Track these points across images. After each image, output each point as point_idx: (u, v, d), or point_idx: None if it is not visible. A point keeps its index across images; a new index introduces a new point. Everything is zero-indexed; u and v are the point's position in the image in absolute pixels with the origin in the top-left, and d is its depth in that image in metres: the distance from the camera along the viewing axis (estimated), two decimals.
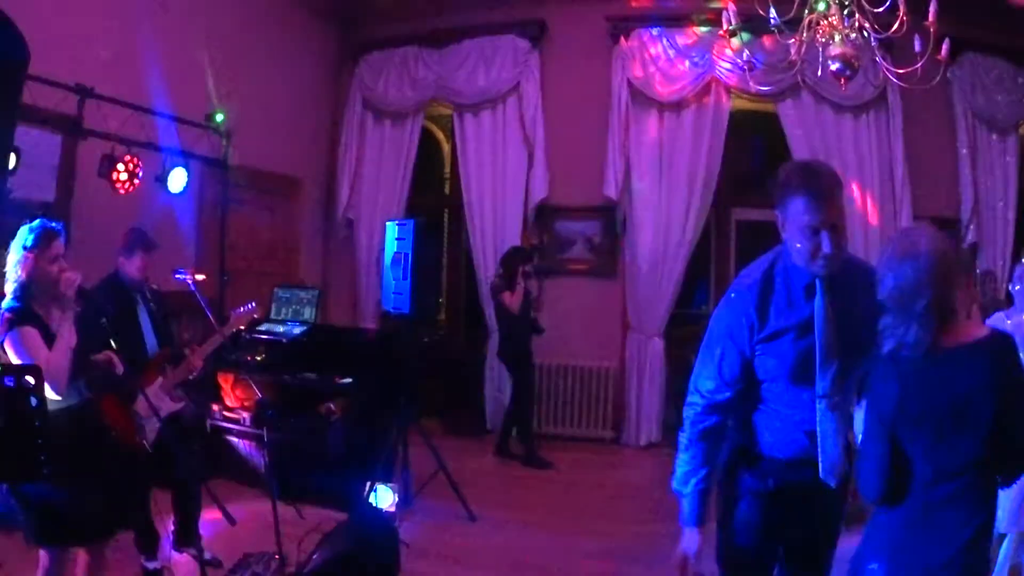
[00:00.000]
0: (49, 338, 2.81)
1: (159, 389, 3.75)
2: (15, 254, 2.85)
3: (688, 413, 2.28)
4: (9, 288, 2.89)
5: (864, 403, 2.06)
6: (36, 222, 2.91)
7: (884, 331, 1.93)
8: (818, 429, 2.14)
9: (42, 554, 2.91)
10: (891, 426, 1.94)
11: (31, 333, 2.76)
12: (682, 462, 2.26)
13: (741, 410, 2.28)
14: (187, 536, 3.84)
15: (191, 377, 3.93)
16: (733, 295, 2.25)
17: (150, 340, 3.87)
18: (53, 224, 2.92)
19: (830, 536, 2.33)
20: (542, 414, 6.93)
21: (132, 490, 3.80)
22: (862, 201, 6.52)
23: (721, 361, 2.22)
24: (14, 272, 2.86)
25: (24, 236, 2.86)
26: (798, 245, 2.08)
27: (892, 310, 1.93)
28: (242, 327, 4.17)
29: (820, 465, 2.15)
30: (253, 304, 4.21)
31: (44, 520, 2.79)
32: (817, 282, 2.12)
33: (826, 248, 2.04)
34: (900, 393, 1.91)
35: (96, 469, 2.93)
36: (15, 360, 2.74)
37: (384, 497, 4.65)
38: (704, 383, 2.26)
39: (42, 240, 2.85)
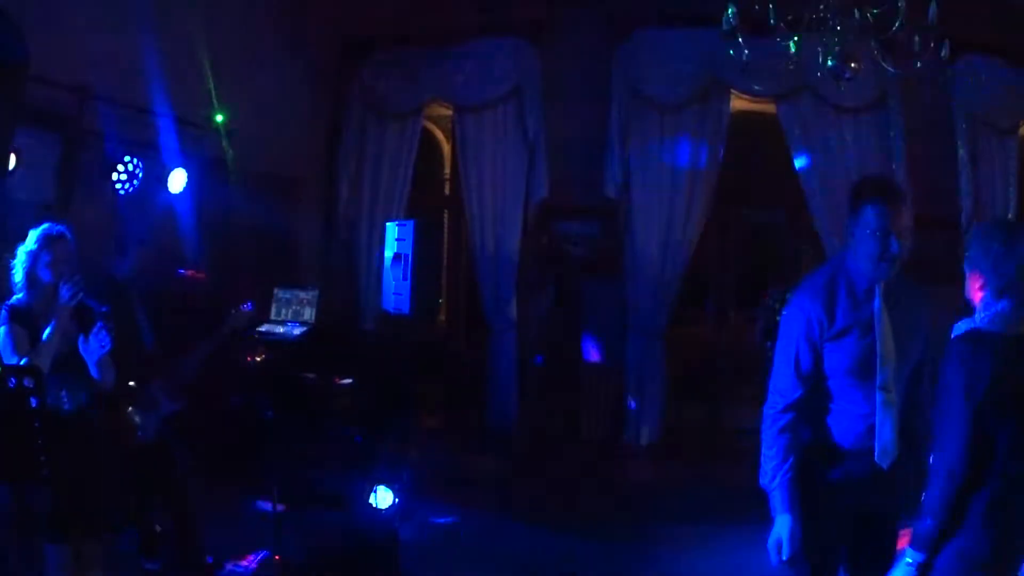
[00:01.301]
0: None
1: (157, 390, 3.75)
2: (19, 256, 2.92)
3: (768, 412, 2.50)
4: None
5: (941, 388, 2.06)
6: (45, 225, 2.96)
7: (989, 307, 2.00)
8: (876, 418, 2.39)
9: (48, 550, 2.93)
10: (980, 406, 1.90)
11: (15, 332, 2.80)
12: (767, 458, 2.46)
13: (810, 407, 2.48)
14: (186, 537, 3.84)
15: (188, 378, 3.92)
16: (802, 299, 2.50)
17: (147, 340, 3.87)
18: (58, 228, 2.97)
19: (892, 514, 2.53)
20: (541, 415, 6.92)
21: (129, 490, 3.81)
22: None
23: (797, 357, 2.45)
24: (16, 273, 2.92)
25: (28, 239, 2.93)
26: (868, 248, 2.35)
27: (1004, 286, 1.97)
28: (240, 327, 4.16)
29: (875, 450, 2.40)
30: (251, 304, 4.21)
31: (43, 517, 2.81)
32: (876, 287, 2.40)
33: (893, 248, 2.32)
34: (993, 372, 1.89)
35: (92, 469, 2.94)
36: None
37: (384, 497, 4.65)
38: (781, 382, 2.49)
39: (42, 244, 2.91)
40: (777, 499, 2.43)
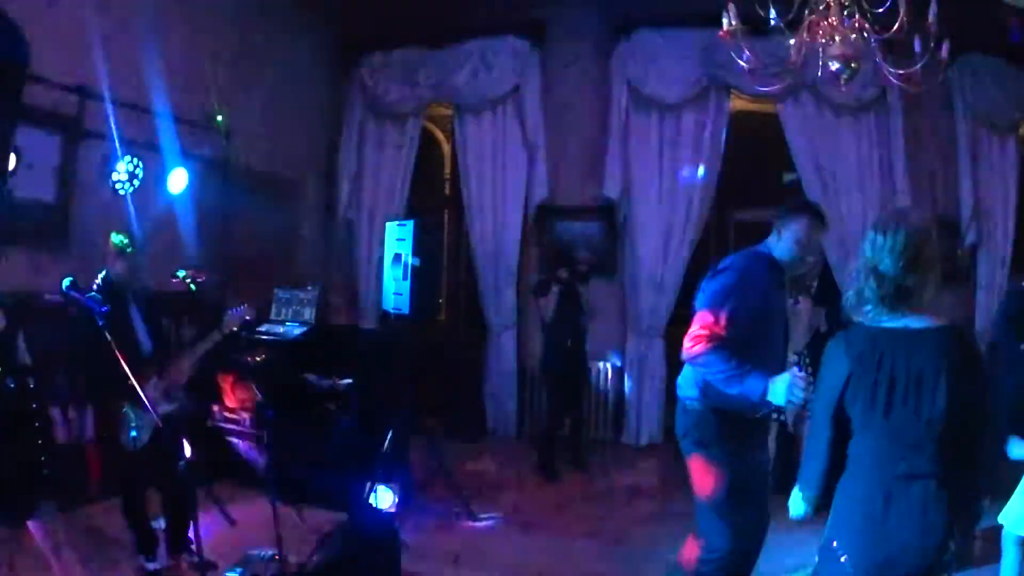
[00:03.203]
0: None
1: (154, 390, 3.74)
2: None
3: (721, 352, 2.81)
4: None
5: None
6: None
7: (852, 296, 2.12)
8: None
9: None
10: (838, 404, 2.03)
11: None
12: (720, 372, 2.78)
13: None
14: (183, 537, 3.83)
15: (184, 379, 3.91)
16: (740, 271, 2.95)
17: (143, 340, 3.85)
18: None
19: None
20: (541, 415, 6.91)
21: (128, 490, 3.81)
22: (862, 201, 6.52)
23: (733, 313, 2.84)
24: None
25: None
26: (795, 248, 2.93)
27: (860, 276, 2.09)
28: (235, 328, 4.14)
29: (786, 411, 3.16)
30: (245, 306, 4.20)
31: None
32: (784, 276, 3.00)
33: (810, 257, 2.99)
34: (851, 367, 2.02)
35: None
36: None
37: (384, 497, 4.65)
38: (720, 331, 2.84)
39: None
40: (753, 380, 2.70)
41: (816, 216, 2.96)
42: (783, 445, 5.45)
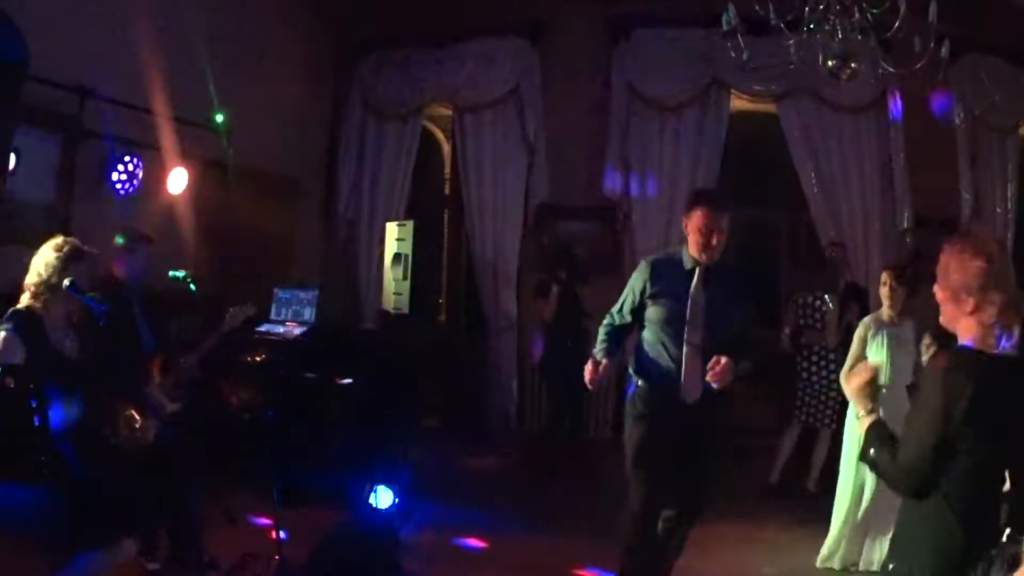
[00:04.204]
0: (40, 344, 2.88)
1: (157, 390, 3.74)
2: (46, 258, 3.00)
3: (605, 321, 3.53)
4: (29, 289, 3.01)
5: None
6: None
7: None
8: (682, 365, 3.26)
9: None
10: (955, 425, 1.92)
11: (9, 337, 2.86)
12: (600, 342, 3.45)
13: (640, 350, 3.44)
14: (185, 537, 3.83)
15: (187, 379, 3.92)
16: (642, 264, 3.46)
17: (146, 340, 3.85)
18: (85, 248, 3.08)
19: (705, 440, 3.39)
20: (541, 415, 6.92)
21: (138, 492, 3.81)
22: (862, 201, 6.52)
23: (624, 300, 3.47)
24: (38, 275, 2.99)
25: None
26: (696, 239, 3.22)
27: (983, 308, 2.00)
28: (238, 327, 4.15)
29: (680, 387, 3.28)
30: (248, 304, 4.20)
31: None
32: (696, 269, 3.27)
33: (713, 242, 3.21)
34: (976, 391, 1.91)
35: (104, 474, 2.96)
36: None
37: (384, 497, 4.64)
38: (615, 309, 3.50)
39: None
40: (602, 355, 3.33)
41: (710, 203, 3.25)
42: (799, 448, 5.46)
